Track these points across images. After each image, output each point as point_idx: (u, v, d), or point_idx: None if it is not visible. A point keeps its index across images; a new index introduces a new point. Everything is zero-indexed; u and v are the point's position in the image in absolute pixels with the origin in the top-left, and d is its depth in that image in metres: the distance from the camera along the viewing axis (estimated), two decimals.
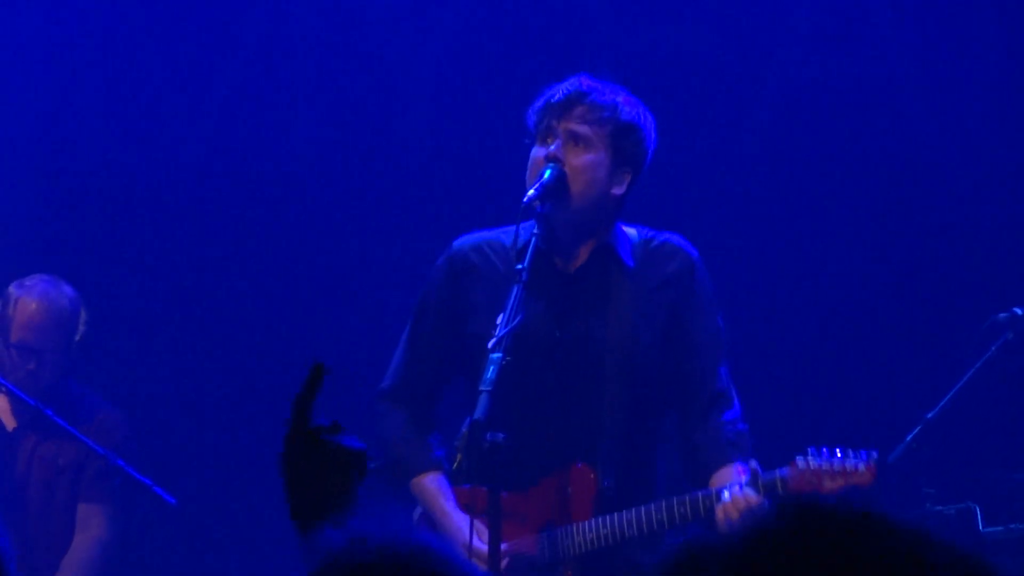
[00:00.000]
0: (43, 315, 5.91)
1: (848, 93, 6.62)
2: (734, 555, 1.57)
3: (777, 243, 6.59)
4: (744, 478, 4.48)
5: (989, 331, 5.54)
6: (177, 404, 6.87)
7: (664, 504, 4.53)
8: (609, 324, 4.72)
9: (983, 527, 5.40)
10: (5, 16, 6.94)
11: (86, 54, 6.94)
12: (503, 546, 4.46)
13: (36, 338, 5.90)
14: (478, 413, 4.21)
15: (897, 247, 6.56)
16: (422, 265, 5.14)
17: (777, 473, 4.45)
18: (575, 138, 4.65)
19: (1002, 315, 5.54)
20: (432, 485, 4.80)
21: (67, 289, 6.01)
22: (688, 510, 4.49)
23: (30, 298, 5.92)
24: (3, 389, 5.87)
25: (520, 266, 4.49)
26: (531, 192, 4.59)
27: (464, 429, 4.41)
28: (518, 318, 4.39)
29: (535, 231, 4.60)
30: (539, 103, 4.72)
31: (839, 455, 4.41)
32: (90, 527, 5.97)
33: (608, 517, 4.58)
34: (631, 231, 4.83)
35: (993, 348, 5.51)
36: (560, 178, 4.62)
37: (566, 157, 4.65)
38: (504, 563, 4.56)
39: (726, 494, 4.44)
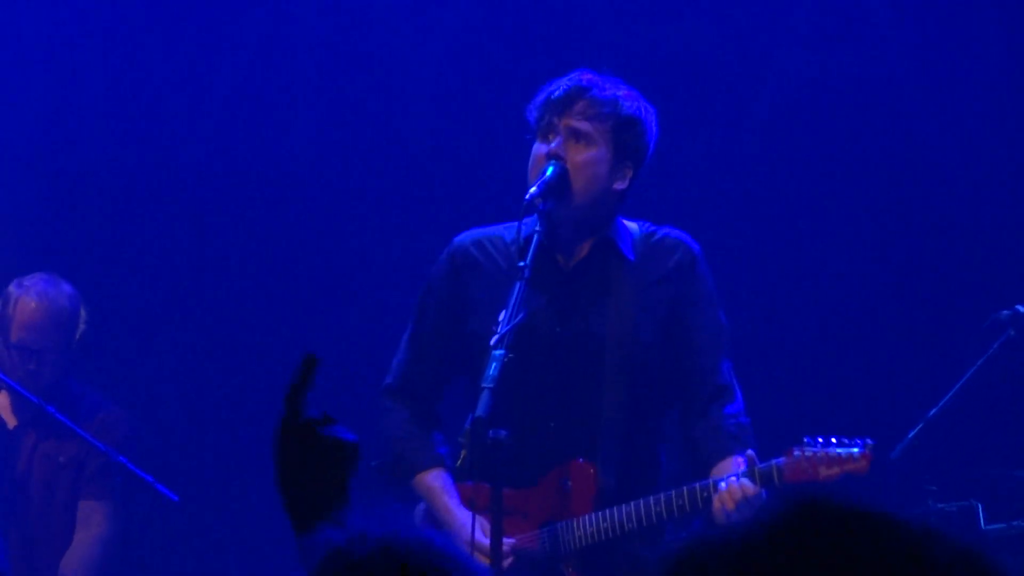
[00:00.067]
0: (43, 315, 5.91)
1: (848, 92, 6.62)
2: (738, 551, 1.57)
3: (779, 240, 6.59)
4: (742, 469, 4.48)
5: (991, 328, 5.54)
6: (178, 402, 6.88)
7: (663, 497, 4.53)
8: (609, 319, 4.72)
9: (985, 525, 5.40)
10: (5, 16, 6.93)
11: (86, 54, 6.94)
12: (505, 543, 4.46)
13: (36, 338, 5.89)
14: (480, 410, 4.21)
15: (899, 245, 6.56)
16: (423, 263, 5.14)
17: (773, 462, 4.45)
18: (576, 135, 4.65)
19: (1004, 312, 5.54)
20: (435, 482, 4.80)
21: (67, 288, 6.00)
22: (686, 502, 4.49)
23: (30, 297, 5.91)
24: (4, 387, 5.87)
25: (522, 263, 4.49)
26: (533, 189, 4.59)
27: (467, 426, 4.41)
28: (520, 315, 4.38)
29: (537, 228, 4.60)
30: (540, 99, 4.71)
31: (835, 443, 4.42)
32: (91, 524, 5.97)
33: (608, 511, 4.59)
34: (632, 225, 4.83)
35: (995, 345, 5.52)
36: (562, 175, 4.62)
37: (568, 154, 4.64)
38: (508, 561, 4.56)
39: (722, 484, 4.44)
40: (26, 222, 6.89)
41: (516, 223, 4.66)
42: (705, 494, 4.48)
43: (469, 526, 4.55)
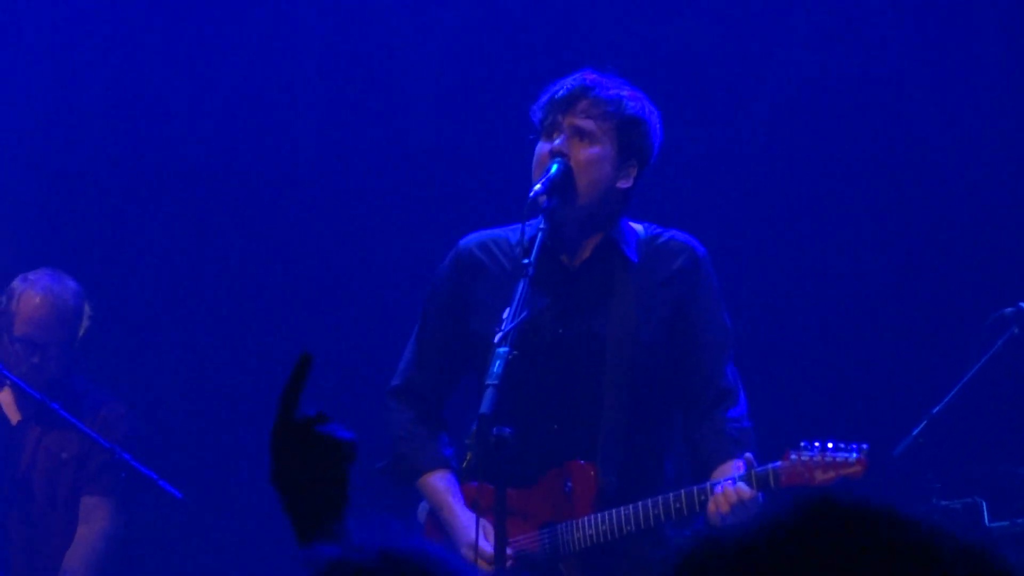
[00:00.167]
0: (47, 309, 5.92)
1: (848, 92, 6.62)
2: (745, 551, 1.57)
3: (781, 239, 6.59)
4: (740, 472, 4.49)
5: (994, 326, 5.55)
6: (181, 398, 6.88)
7: (660, 500, 4.53)
8: (611, 320, 4.72)
9: (989, 521, 5.40)
10: (5, 16, 6.94)
11: (87, 51, 6.94)
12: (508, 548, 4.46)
13: (40, 332, 5.91)
14: (485, 407, 4.21)
15: (901, 242, 6.56)
16: (424, 262, 5.14)
17: (769, 466, 4.45)
18: (580, 133, 4.65)
19: (1008, 310, 5.54)
20: (440, 483, 4.80)
21: (71, 283, 6.01)
22: (684, 505, 4.50)
23: (34, 292, 5.93)
24: (8, 382, 5.88)
25: (526, 260, 4.49)
26: (537, 187, 4.59)
27: (473, 427, 4.41)
28: (524, 313, 4.38)
29: (541, 226, 4.60)
30: (543, 98, 4.72)
31: (830, 447, 4.43)
32: (94, 520, 5.98)
33: (606, 513, 4.58)
34: (638, 227, 4.82)
35: (999, 343, 5.52)
36: (566, 173, 4.62)
37: (571, 152, 4.64)
38: (509, 564, 4.56)
39: (718, 488, 4.45)
40: (30, 219, 6.90)
41: (520, 224, 4.66)
42: (702, 497, 4.48)
43: (472, 528, 4.56)
